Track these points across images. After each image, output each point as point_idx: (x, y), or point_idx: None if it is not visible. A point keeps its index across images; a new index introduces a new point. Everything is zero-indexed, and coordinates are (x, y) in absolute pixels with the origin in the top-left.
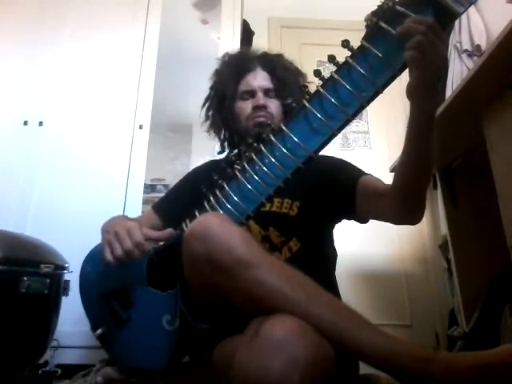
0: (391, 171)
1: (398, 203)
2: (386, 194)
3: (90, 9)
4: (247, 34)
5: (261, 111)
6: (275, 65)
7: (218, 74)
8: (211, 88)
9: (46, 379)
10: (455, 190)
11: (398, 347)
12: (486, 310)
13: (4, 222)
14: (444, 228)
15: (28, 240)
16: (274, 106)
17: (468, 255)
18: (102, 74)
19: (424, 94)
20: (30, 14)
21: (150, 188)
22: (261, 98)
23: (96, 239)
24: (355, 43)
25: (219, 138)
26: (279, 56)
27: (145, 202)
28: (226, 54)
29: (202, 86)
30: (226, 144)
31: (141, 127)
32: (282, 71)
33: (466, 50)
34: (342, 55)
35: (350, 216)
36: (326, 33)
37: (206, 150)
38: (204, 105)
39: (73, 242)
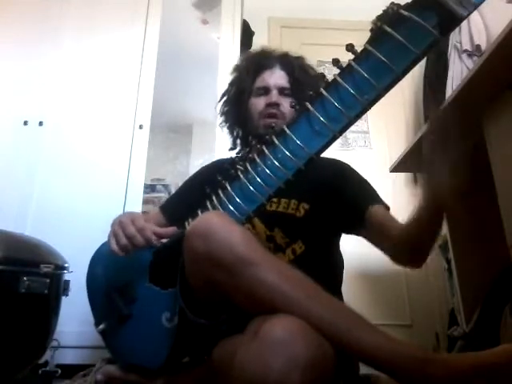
0: (391, 171)
1: (401, 252)
2: (391, 236)
3: (90, 9)
4: (247, 34)
5: (273, 108)
6: (294, 66)
7: (237, 69)
8: (229, 83)
9: (45, 379)
10: None
11: (397, 348)
12: (486, 310)
13: (4, 222)
14: (444, 228)
15: (28, 240)
16: (287, 105)
17: (468, 255)
18: (101, 73)
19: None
20: (30, 14)
21: (149, 188)
22: (274, 96)
23: (96, 239)
24: (355, 43)
25: (232, 134)
26: (300, 58)
27: (145, 202)
28: (248, 52)
29: (202, 86)
30: (238, 141)
31: (141, 127)
32: (300, 73)
33: (466, 50)
34: (343, 55)
35: (353, 234)
36: (326, 33)
37: (206, 150)
38: (221, 99)
39: (73, 242)
